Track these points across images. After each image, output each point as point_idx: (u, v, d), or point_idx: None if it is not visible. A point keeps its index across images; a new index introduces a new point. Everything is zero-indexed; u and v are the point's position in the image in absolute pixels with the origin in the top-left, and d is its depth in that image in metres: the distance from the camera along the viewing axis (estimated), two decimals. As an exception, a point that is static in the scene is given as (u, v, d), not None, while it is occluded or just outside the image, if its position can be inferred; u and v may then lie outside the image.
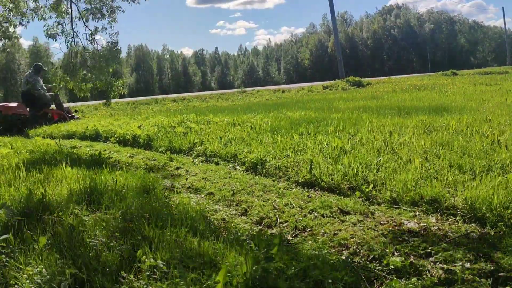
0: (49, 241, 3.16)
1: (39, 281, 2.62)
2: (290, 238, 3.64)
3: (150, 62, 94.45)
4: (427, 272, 2.80)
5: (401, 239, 3.31)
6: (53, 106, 14.37)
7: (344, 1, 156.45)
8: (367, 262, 3.02)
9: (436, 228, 3.49)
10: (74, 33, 11.17)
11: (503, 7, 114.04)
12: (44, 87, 13.76)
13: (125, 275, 2.70)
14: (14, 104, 13.39)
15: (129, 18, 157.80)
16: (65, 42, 11.36)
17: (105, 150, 9.11)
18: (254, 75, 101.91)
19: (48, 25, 11.17)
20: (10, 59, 70.57)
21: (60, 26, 11.15)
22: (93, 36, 11.38)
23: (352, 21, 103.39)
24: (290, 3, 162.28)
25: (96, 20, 11.39)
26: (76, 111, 16.40)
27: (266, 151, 6.44)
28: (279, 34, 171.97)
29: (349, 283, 2.65)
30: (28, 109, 13.20)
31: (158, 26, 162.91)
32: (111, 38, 11.45)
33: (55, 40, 11.75)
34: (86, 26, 11.32)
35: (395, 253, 3.07)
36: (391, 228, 3.54)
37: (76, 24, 11.35)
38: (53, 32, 11.13)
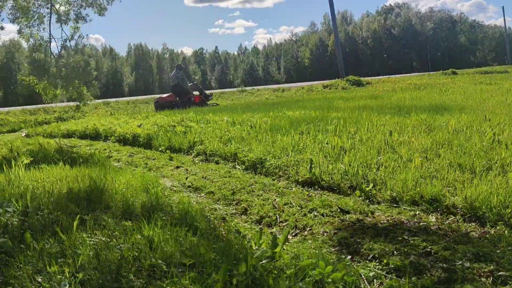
0: (49, 240, 3.16)
1: (39, 280, 2.62)
2: (290, 237, 3.64)
3: (150, 61, 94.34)
4: (427, 271, 2.80)
5: (401, 238, 3.31)
6: (196, 92, 19.18)
7: (344, 0, 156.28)
8: (367, 261, 3.02)
9: (436, 227, 3.50)
10: (51, 36, 11.15)
11: (503, 7, 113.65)
12: (186, 81, 18.60)
13: (125, 274, 2.70)
14: (167, 95, 18.61)
15: (129, 17, 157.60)
16: (40, 45, 11.37)
17: (105, 149, 9.11)
18: (254, 74, 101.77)
19: (23, 29, 11.08)
20: (10, 58, 70.47)
21: (32, 29, 11.08)
22: (67, 42, 11.33)
23: (352, 20, 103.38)
24: (289, 2, 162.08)
25: (65, 24, 11.29)
26: (211, 94, 21.17)
27: (266, 150, 6.44)
28: (279, 33, 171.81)
29: (349, 283, 2.65)
30: (177, 98, 17.97)
31: (157, 26, 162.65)
32: (80, 44, 11.45)
33: (28, 43, 11.68)
34: (62, 30, 11.28)
35: (395, 252, 3.07)
36: (391, 227, 3.54)
37: (50, 28, 11.26)
38: (27, 34, 11.07)
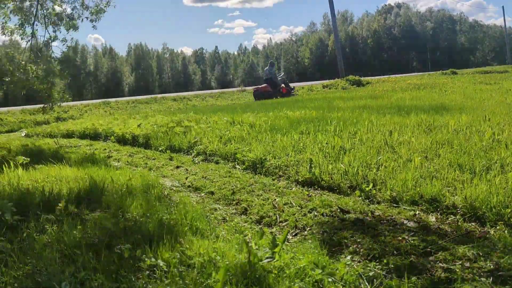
0: (49, 240, 3.16)
1: (39, 280, 2.62)
2: (290, 237, 3.64)
3: (150, 61, 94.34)
4: (427, 271, 2.80)
5: (401, 238, 3.31)
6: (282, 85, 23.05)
7: (345, 0, 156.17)
8: (367, 261, 3.02)
9: (436, 227, 3.50)
10: (33, 33, 11.03)
11: (503, 6, 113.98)
12: (277, 75, 22.89)
13: (125, 274, 2.70)
14: (262, 86, 22.59)
15: (128, 17, 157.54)
16: (22, 39, 11.24)
17: (105, 149, 9.11)
18: (254, 74, 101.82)
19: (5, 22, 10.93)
20: (10, 58, 70.44)
21: (19, 25, 10.93)
22: (49, 40, 11.15)
23: (352, 20, 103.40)
24: (289, 2, 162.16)
25: (52, 26, 11.14)
26: (293, 87, 24.52)
27: (266, 150, 6.44)
28: (278, 33, 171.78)
29: (349, 283, 2.65)
30: (270, 88, 21.85)
31: (157, 26, 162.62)
32: (66, 48, 11.27)
33: (11, 36, 11.53)
34: (47, 30, 11.13)
35: (395, 252, 3.07)
36: (391, 227, 3.54)
37: (37, 25, 11.13)
38: (10, 30, 10.92)
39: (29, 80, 10.41)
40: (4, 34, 11.01)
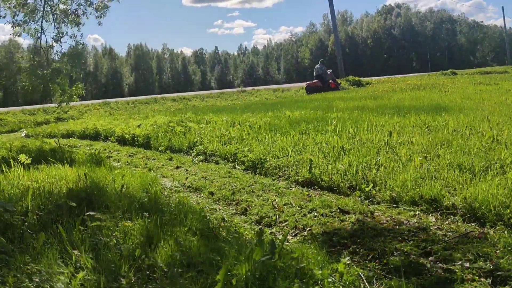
0: (49, 240, 3.16)
1: (38, 280, 2.61)
2: (290, 238, 3.64)
3: (150, 61, 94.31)
4: (427, 271, 2.80)
5: (400, 238, 3.31)
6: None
7: (344, 0, 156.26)
8: (367, 261, 3.02)
9: (435, 227, 3.50)
10: (42, 30, 10.90)
11: (502, 7, 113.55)
12: (326, 72, 25.22)
13: (125, 274, 2.70)
14: (313, 81, 25.28)
15: (128, 17, 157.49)
16: (31, 37, 11.08)
17: (105, 149, 9.11)
18: (254, 75, 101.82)
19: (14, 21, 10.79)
20: (10, 58, 70.48)
21: (26, 24, 10.81)
22: (59, 36, 11.04)
23: (352, 20, 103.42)
24: (288, 2, 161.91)
25: (61, 24, 11.03)
26: (340, 83, 26.38)
27: (266, 150, 6.44)
28: (278, 34, 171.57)
29: (349, 283, 2.65)
30: (321, 83, 24.61)
31: (157, 26, 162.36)
32: (76, 44, 11.11)
33: (19, 36, 11.38)
34: (56, 28, 11.03)
35: (395, 252, 3.08)
36: (390, 228, 3.54)
37: (45, 22, 11.00)
38: (19, 30, 10.80)
39: (41, 79, 10.34)
40: (13, 30, 10.85)
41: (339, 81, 27.34)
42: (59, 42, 10.88)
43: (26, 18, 10.60)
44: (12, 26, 10.61)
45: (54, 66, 10.60)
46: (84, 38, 11.33)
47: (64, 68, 10.63)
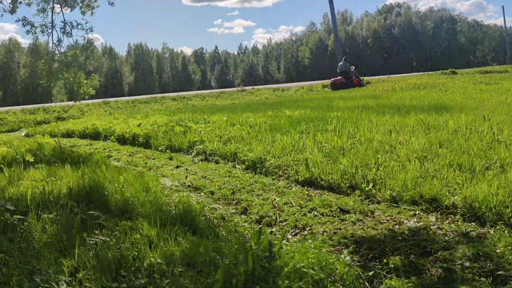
0: (49, 240, 3.16)
1: (38, 279, 2.61)
2: (290, 237, 3.64)
3: (150, 60, 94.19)
4: (427, 271, 2.80)
5: (400, 238, 3.31)
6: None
7: (344, 0, 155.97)
8: (367, 261, 3.02)
9: (435, 227, 3.50)
10: (52, 24, 10.75)
11: (503, 6, 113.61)
12: (350, 68, 26.39)
13: (124, 274, 2.69)
14: (338, 78, 26.07)
15: (128, 17, 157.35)
16: (42, 33, 10.94)
17: (105, 149, 9.11)
18: (254, 74, 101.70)
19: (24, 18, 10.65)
20: (10, 58, 70.39)
21: (39, 16, 10.66)
22: (69, 29, 10.87)
23: (352, 19, 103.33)
24: (288, 1, 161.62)
25: (70, 9, 10.80)
26: (362, 79, 27.30)
27: (266, 150, 6.44)
28: (278, 33, 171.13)
29: (348, 282, 2.65)
30: (345, 80, 25.63)
31: (156, 25, 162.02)
32: (86, 33, 10.92)
33: (32, 33, 11.22)
34: (64, 21, 10.86)
35: (394, 252, 3.08)
36: (391, 227, 3.54)
37: (56, 14, 10.83)
38: (31, 23, 10.63)
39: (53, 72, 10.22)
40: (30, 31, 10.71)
41: (362, 77, 28.36)
42: (69, 35, 10.75)
43: (36, 12, 10.46)
44: (23, 24, 10.52)
45: (64, 59, 10.50)
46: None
47: (76, 61, 10.53)
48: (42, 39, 11.84)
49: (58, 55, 10.49)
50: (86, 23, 10.69)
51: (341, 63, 27.26)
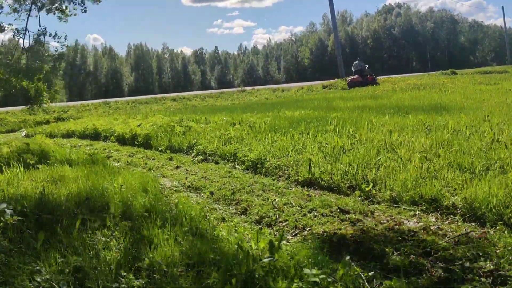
0: (49, 240, 3.16)
1: (39, 279, 2.61)
2: (290, 237, 3.64)
3: (150, 61, 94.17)
4: (427, 271, 2.80)
5: (400, 238, 3.31)
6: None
7: (344, 0, 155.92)
8: (367, 261, 3.02)
9: (435, 227, 3.49)
10: (27, 29, 10.66)
11: (503, 6, 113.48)
12: (365, 66, 28.20)
13: (124, 274, 2.69)
14: (355, 76, 27.34)
15: (128, 17, 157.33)
16: (14, 36, 10.83)
17: (105, 149, 9.11)
18: (254, 74, 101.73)
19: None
20: (9, 59, 70.28)
21: (13, 16, 10.55)
22: (41, 37, 10.77)
23: (352, 20, 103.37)
24: (288, 1, 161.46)
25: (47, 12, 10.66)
26: (376, 77, 28.84)
27: (266, 150, 6.44)
28: (278, 33, 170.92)
29: (348, 283, 2.65)
30: (361, 78, 26.96)
31: (156, 26, 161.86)
32: (60, 47, 10.82)
33: (2, 32, 11.10)
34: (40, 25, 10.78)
35: (394, 252, 3.07)
36: (390, 227, 3.54)
37: (29, 18, 10.73)
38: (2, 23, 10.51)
39: (13, 80, 10.09)
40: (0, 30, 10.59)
41: (374, 75, 29.64)
42: (42, 42, 10.67)
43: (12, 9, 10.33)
44: None
45: (32, 65, 10.39)
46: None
47: (44, 69, 10.45)
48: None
49: (24, 61, 10.37)
50: (65, 36, 10.60)
51: (356, 62, 28.75)
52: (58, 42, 10.58)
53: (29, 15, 10.25)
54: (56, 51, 10.66)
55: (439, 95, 14.65)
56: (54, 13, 10.44)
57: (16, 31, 10.36)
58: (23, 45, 10.55)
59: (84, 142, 10.73)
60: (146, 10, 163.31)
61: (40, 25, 10.75)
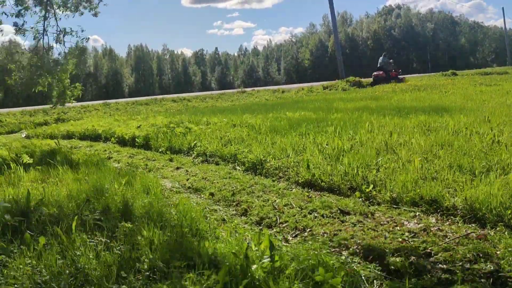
0: (49, 241, 3.16)
1: (39, 281, 2.61)
2: (290, 238, 3.64)
3: (150, 62, 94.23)
4: (427, 272, 2.80)
5: (401, 239, 3.31)
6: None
7: (344, 1, 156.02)
8: (367, 262, 3.02)
9: (436, 228, 3.49)
10: (45, 30, 10.76)
11: (503, 8, 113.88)
12: (389, 62, 29.03)
13: (125, 275, 2.69)
14: (379, 72, 28.11)
15: (128, 18, 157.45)
16: (34, 39, 10.93)
17: (105, 150, 9.12)
18: (254, 75, 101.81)
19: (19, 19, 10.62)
20: (10, 59, 70.50)
21: (31, 19, 10.79)
22: (61, 36, 10.84)
23: (352, 21, 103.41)
24: (288, 2, 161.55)
25: (67, 12, 10.76)
26: (400, 72, 30.31)
27: (266, 151, 6.44)
28: (278, 34, 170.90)
29: (349, 284, 2.65)
30: (385, 73, 27.69)
31: (156, 27, 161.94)
32: (80, 42, 10.89)
33: (24, 35, 11.21)
34: (58, 25, 10.86)
35: (395, 253, 3.07)
36: (391, 229, 3.54)
37: (48, 21, 10.85)
38: (22, 27, 10.60)
39: (35, 78, 10.21)
40: (21, 32, 10.70)
41: (400, 71, 30.77)
42: (62, 42, 10.77)
43: (22, 12, 10.41)
44: (15, 29, 10.53)
45: (51, 64, 10.48)
46: (85, 33, 11.01)
47: (65, 65, 10.53)
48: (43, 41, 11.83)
49: (46, 61, 10.48)
50: (82, 31, 10.71)
51: (381, 58, 29.65)
52: (77, 37, 10.69)
53: (45, 16, 10.36)
54: (76, 44, 10.78)
55: (439, 96, 14.65)
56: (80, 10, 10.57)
57: (36, 32, 10.49)
58: (43, 45, 10.65)
59: (85, 143, 10.73)
60: (146, 11, 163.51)
61: (57, 25, 10.82)
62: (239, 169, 6.22)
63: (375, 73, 28.97)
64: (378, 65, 29.14)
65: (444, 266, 2.84)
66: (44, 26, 10.56)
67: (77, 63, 10.91)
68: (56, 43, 10.81)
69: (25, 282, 2.60)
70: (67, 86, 10.74)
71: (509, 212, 3.51)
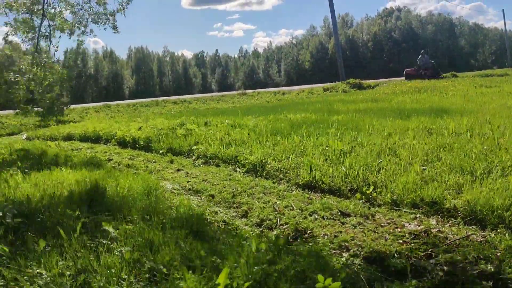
0: (50, 243, 3.16)
1: (40, 282, 2.61)
2: (291, 240, 3.63)
3: (151, 64, 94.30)
4: (428, 274, 2.80)
5: (401, 241, 3.31)
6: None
7: (345, 3, 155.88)
8: (368, 264, 3.02)
9: (436, 230, 3.49)
10: (39, 47, 11.01)
11: (503, 10, 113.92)
12: (428, 60, 30.56)
13: (126, 277, 2.69)
14: (413, 68, 30.11)
15: (128, 20, 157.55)
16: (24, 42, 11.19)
17: (106, 152, 9.12)
18: (255, 77, 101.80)
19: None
20: (10, 62, 70.47)
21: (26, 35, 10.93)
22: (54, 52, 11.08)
23: (352, 23, 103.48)
24: (289, 4, 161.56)
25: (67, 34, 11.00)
26: (439, 71, 30.70)
27: (267, 153, 6.44)
28: (278, 36, 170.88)
29: (350, 285, 2.65)
30: (420, 71, 29.05)
31: (157, 29, 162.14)
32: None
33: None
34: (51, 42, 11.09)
35: (395, 255, 3.07)
36: (391, 230, 3.54)
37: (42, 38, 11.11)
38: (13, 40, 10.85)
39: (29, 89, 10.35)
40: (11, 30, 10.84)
41: (438, 69, 31.80)
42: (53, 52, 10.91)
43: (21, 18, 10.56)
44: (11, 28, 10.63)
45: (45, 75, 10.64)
46: (70, 42, 11.27)
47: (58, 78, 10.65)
48: (43, 43, 11.98)
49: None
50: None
51: (420, 56, 31.14)
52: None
53: (38, 35, 10.47)
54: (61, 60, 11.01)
55: (440, 98, 14.65)
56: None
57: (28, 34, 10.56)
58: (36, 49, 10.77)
59: (85, 145, 10.74)
60: (146, 13, 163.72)
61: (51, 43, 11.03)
62: (239, 171, 6.22)
63: (406, 69, 31.31)
64: (418, 63, 30.63)
65: (445, 267, 2.84)
66: (37, 41, 10.71)
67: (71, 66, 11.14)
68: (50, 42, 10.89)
69: (25, 285, 2.60)
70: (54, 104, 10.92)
71: (509, 213, 3.51)
